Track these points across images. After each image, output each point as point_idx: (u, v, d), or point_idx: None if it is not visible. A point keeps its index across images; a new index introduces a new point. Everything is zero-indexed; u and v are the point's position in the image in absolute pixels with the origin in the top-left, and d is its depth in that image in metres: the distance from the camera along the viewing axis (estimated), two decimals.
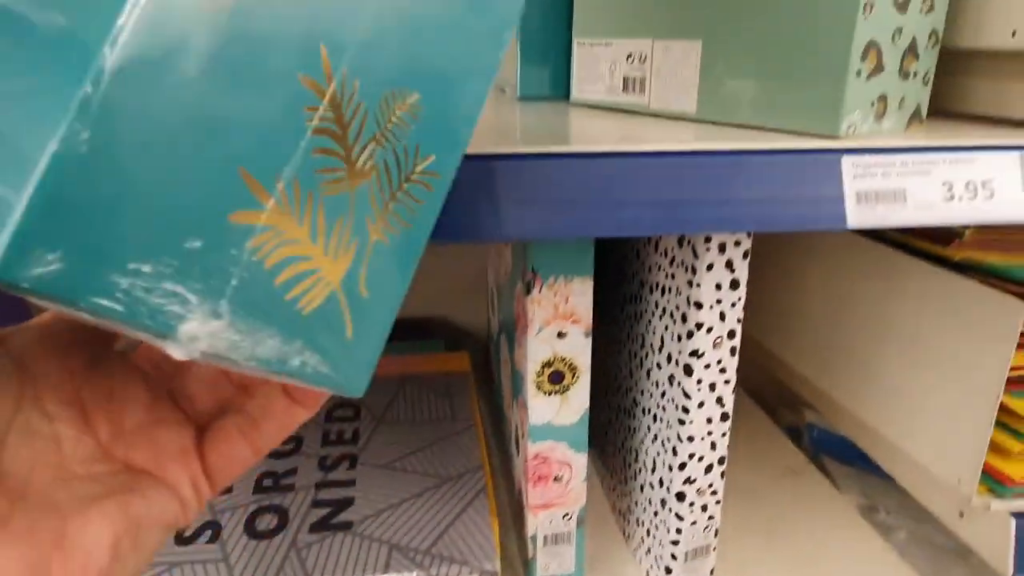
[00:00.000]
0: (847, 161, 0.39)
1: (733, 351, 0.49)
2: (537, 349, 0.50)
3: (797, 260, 0.73)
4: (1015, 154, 0.40)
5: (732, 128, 0.46)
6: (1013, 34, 0.42)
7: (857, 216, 0.39)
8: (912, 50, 0.42)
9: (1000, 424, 0.52)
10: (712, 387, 0.49)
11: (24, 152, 0.13)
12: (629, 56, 0.54)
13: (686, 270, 0.47)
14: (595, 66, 0.57)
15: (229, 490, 0.57)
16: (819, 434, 0.83)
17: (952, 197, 0.40)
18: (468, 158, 0.35)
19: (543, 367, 0.50)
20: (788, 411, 0.89)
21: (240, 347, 0.17)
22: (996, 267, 0.53)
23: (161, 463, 0.22)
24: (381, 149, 0.19)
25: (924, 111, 0.45)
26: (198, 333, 0.16)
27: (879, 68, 0.41)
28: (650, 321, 0.54)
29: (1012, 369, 0.49)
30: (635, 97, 0.54)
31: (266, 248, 0.17)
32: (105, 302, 0.14)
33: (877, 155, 0.39)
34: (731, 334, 0.48)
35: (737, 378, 0.92)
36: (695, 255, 0.46)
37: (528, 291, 0.48)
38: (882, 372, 0.61)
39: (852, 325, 0.65)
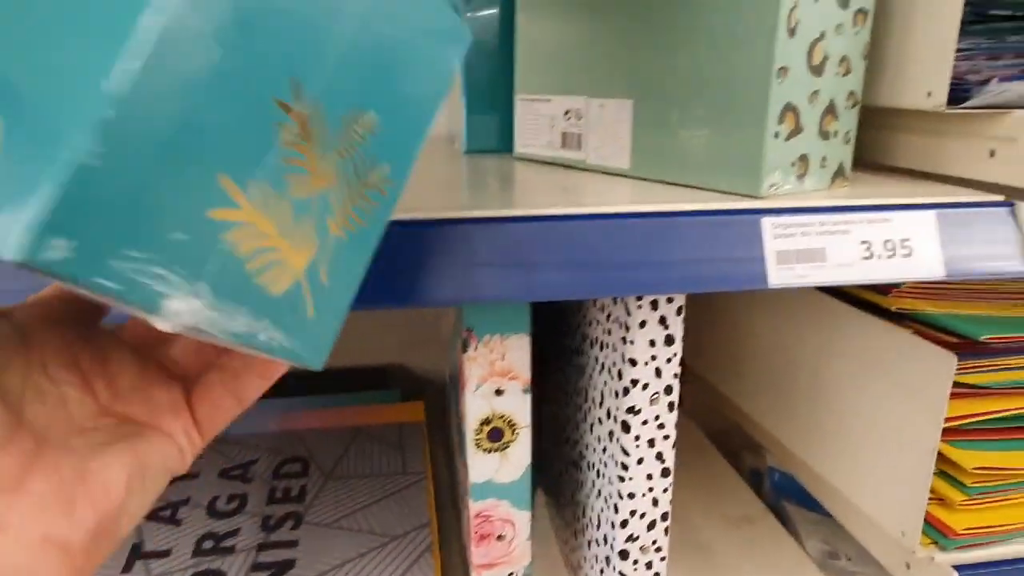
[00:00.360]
0: (767, 222, 0.40)
1: (671, 407, 0.49)
2: (475, 406, 0.49)
3: (748, 305, 0.74)
4: (931, 212, 0.41)
5: (663, 186, 0.46)
6: (928, 95, 0.43)
7: (778, 276, 0.39)
8: (831, 111, 0.43)
9: (943, 475, 0.52)
10: (651, 443, 0.49)
11: (55, 127, 0.17)
12: (567, 113, 0.55)
13: (620, 327, 0.47)
14: (536, 121, 0.58)
15: (168, 553, 0.56)
16: (781, 478, 0.83)
17: (871, 255, 0.40)
18: (402, 224, 0.35)
19: (481, 424, 0.50)
20: (751, 454, 0.89)
21: (216, 322, 0.20)
22: (931, 316, 0.53)
23: (156, 416, 0.25)
24: (341, 160, 0.22)
25: (848, 168, 0.46)
26: (180, 309, 0.19)
27: (798, 129, 0.42)
28: (591, 375, 0.54)
29: (949, 420, 0.50)
30: (574, 152, 0.55)
31: (240, 240, 0.20)
32: (104, 282, 0.18)
33: (797, 215, 0.40)
34: (668, 389, 0.48)
35: (697, 421, 0.92)
36: (627, 312, 0.46)
37: (464, 348, 0.48)
38: (827, 421, 0.61)
39: (799, 372, 0.65)
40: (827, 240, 0.40)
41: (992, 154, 0.44)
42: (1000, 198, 0.43)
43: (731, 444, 0.90)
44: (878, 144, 0.53)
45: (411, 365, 0.91)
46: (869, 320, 0.55)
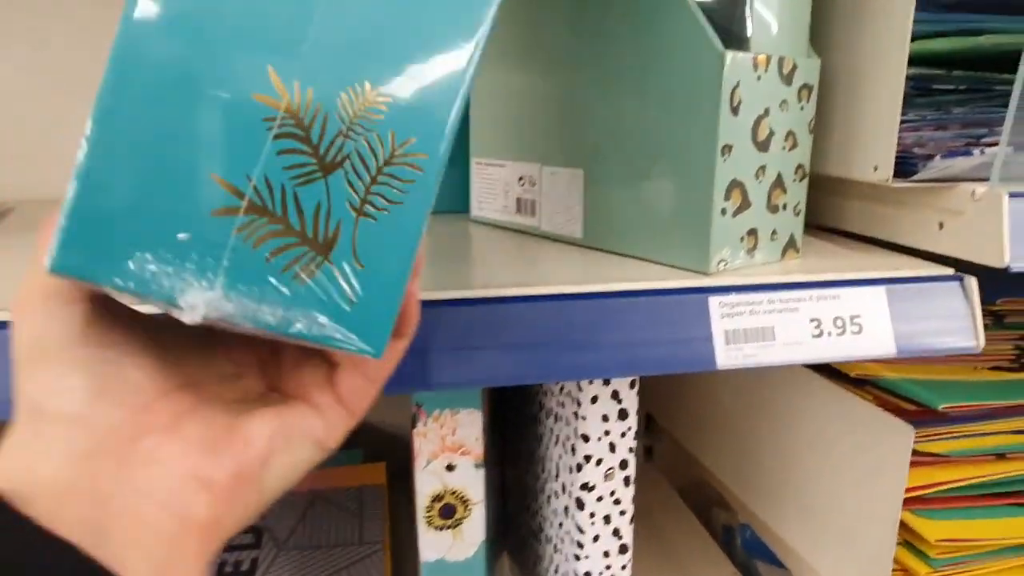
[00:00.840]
0: (715, 301, 0.39)
1: (627, 481, 0.47)
2: (425, 483, 0.48)
3: None
4: (881, 288, 0.41)
5: (615, 257, 0.46)
6: (875, 168, 0.43)
7: (726, 356, 0.38)
8: (779, 185, 0.43)
9: (907, 545, 0.51)
10: (607, 519, 0.47)
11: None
12: (521, 179, 0.54)
13: (572, 401, 0.46)
14: (491, 185, 0.57)
15: None
16: (752, 536, 0.81)
17: (821, 333, 0.40)
18: None
19: (432, 501, 0.48)
20: (722, 510, 0.87)
21: (239, 314, 0.21)
22: (891, 382, 0.52)
23: (307, 391, 0.27)
24: (350, 141, 0.21)
25: (799, 239, 0.46)
26: (196, 302, 0.20)
27: (745, 205, 0.41)
28: (548, 446, 0.53)
29: (911, 489, 0.49)
30: (527, 219, 0.54)
31: (251, 233, 0.21)
32: (121, 283, 0.20)
33: (745, 293, 0.39)
34: (623, 464, 0.47)
35: (669, 475, 0.90)
36: (579, 387, 0.45)
37: (414, 424, 0.47)
38: (790, 485, 0.60)
39: (763, 435, 0.64)
40: (776, 318, 0.39)
41: (941, 226, 0.44)
42: (950, 271, 0.43)
43: (703, 498, 0.88)
44: (830, 209, 0.53)
45: (375, 422, 0.89)
46: (829, 386, 0.54)
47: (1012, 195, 0.40)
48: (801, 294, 0.40)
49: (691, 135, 0.40)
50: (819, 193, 0.54)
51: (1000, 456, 0.52)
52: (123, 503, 0.22)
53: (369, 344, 0.22)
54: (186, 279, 0.20)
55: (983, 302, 0.42)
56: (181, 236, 0.20)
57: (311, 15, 0.21)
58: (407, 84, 0.22)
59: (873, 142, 0.43)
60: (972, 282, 0.41)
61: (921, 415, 0.50)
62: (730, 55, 0.38)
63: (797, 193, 0.44)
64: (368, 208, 0.22)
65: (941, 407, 0.48)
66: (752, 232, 0.42)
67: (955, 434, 0.50)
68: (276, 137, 0.21)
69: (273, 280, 0.21)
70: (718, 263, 0.41)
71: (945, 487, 0.50)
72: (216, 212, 0.21)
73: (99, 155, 0.20)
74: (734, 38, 0.40)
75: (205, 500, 0.23)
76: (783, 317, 0.39)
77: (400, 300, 0.23)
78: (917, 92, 0.44)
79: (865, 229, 0.50)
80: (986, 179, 0.43)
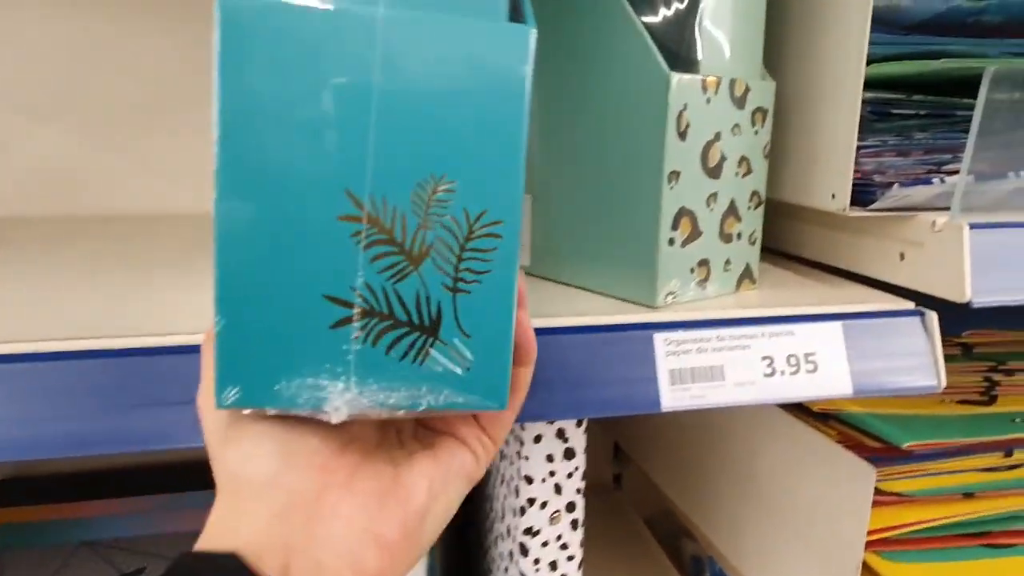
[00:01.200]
0: (660, 338, 0.36)
1: (575, 524, 0.45)
2: None
3: None
4: (838, 324, 0.39)
5: (562, 288, 0.43)
6: (832, 197, 0.41)
7: (671, 397, 0.36)
8: (732, 213, 0.41)
9: None
10: (553, 566, 0.45)
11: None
12: None
13: (515, 439, 0.43)
14: None
15: None
16: (719, 568, 0.79)
17: (773, 372, 0.37)
18: None
19: None
20: (691, 540, 0.84)
21: (375, 404, 0.24)
22: (855, 417, 0.50)
23: (453, 426, 0.29)
24: (430, 231, 0.23)
25: (755, 269, 0.43)
26: (339, 405, 0.23)
27: (695, 234, 0.39)
28: (495, 485, 0.50)
29: (875, 531, 0.46)
30: None
31: (368, 334, 0.23)
32: (272, 404, 0.24)
33: (692, 330, 0.37)
34: (571, 507, 0.44)
35: (637, 503, 0.88)
36: (521, 425, 0.42)
37: None
38: (755, 522, 0.58)
39: (726, 470, 0.61)
40: (726, 356, 0.37)
41: (902, 257, 0.42)
42: (910, 305, 0.40)
43: (672, 528, 0.86)
44: (790, 235, 0.51)
45: None
46: (791, 421, 0.52)
47: (973, 226, 0.38)
48: (753, 330, 0.37)
49: (637, 161, 0.38)
50: (779, 218, 0.52)
51: (968, 495, 0.49)
52: (309, 556, 0.24)
53: (491, 400, 0.25)
54: (325, 388, 0.24)
55: (949, 333, 0.40)
56: (310, 352, 0.23)
57: (367, 134, 0.23)
58: (466, 164, 0.23)
59: (830, 169, 0.41)
60: (933, 318, 0.39)
61: (886, 452, 0.47)
62: (676, 77, 0.36)
63: (752, 221, 0.42)
64: (461, 284, 0.24)
65: (905, 445, 0.46)
66: (703, 263, 0.40)
67: (920, 472, 0.48)
68: (366, 247, 0.23)
69: (396, 369, 0.24)
70: (666, 296, 0.39)
71: (911, 528, 0.48)
72: (334, 325, 0.23)
73: (230, 305, 0.23)
74: (683, 61, 0.38)
75: (375, 554, 0.25)
76: (733, 355, 0.37)
77: (509, 352, 0.25)
78: (876, 117, 0.42)
79: (826, 257, 0.48)
80: (948, 209, 0.41)
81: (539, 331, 0.36)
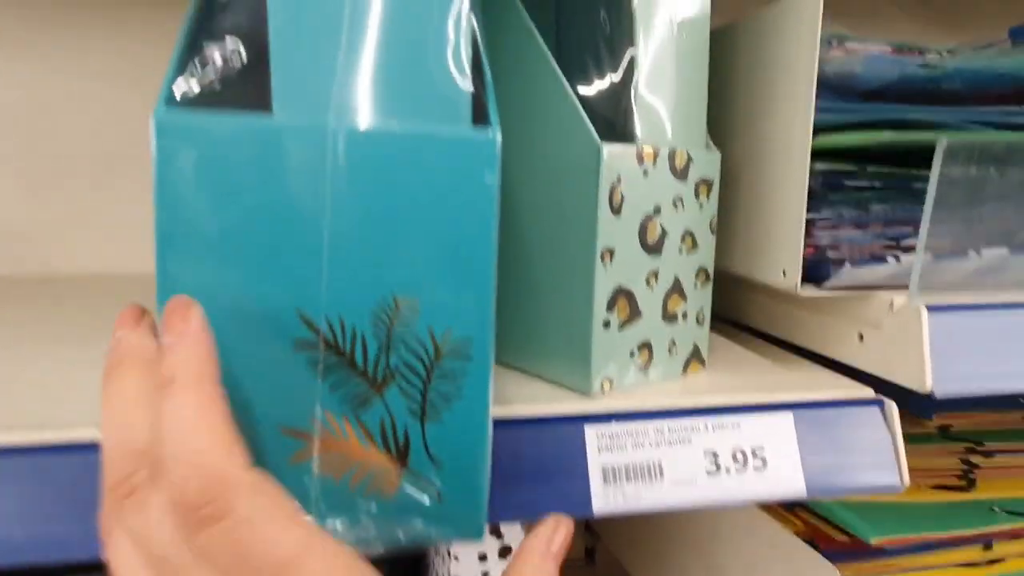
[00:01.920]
0: (591, 431, 0.33)
1: None
2: None
3: None
4: (788, 414, 0.35)
5: (500, 369, 0.40)
6: (783, 273, 0.39)
7: (604, 499, 0.32)
8: (677, 291, 0.38)
9: None
10: None
11: None
12: None
13: None
14: None
15: None
16: None
17: (717, 469, 0.34)
18: None
19: None
20: None
21: (345, 537, 0.21)
22: (821, 506, 0.47)
23: None
24: (393, 354, 0.21)
25: (704, 349, 0.40)
26: None
27: (634, 315, 0.36)
28: None
29: None
30: None
31: (329, 468, 0.21)
32: None
33: (627, 422, 0.34)
34: None
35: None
36: None
37: None
38: None
39: (692, 557, 0.57)
40: (664, 452, 0.33)
41: (861, 338, 0.39)
42: (868, 392, 0.37)
43: None
44: (744, 306, 0.48)
45: None
46: (755, 512, 0.48)
47: (932, 309, 0.35)
48: (695, 422, 0.34)
49: (568, 237, 0.35)
50: (732, 287, 0.49)
51: None
52: None
53: (467, 532, 0.23)
54: None
55: (921, 415, 0.37)
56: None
57: (320, 253, 0.20)
58: (431, 280, 0.21)
59: (779, 244, 0.39)
60: (892, 408, 0.36)
61: (854, 546, 0.44)
62: (607, 148, 0.33)
63: (699, 299, 0.39)
64: (430, 410, 0.22)
65: (874, 541, 0.42)
66: (645, 346, 0.37)
67: (892, 569, 0.44)
68: (324, 374, 0.21)
69: (362, 503, 0.22)
70: (603, 383, 0.35)
71: None
72: (294, 460, 0.21)
73: None
74: (619, 132, 0.36)
75: None
76: (673, 450, 0.34)
77: (485, 480, 0.23)
78: (830, 188, 0.40)
79: (782, 333, 0.45)
80: (905, 286, 0.38)
81: None
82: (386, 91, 0.20)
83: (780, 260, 0.39)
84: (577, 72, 0.36)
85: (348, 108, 0.20)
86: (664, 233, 0.36)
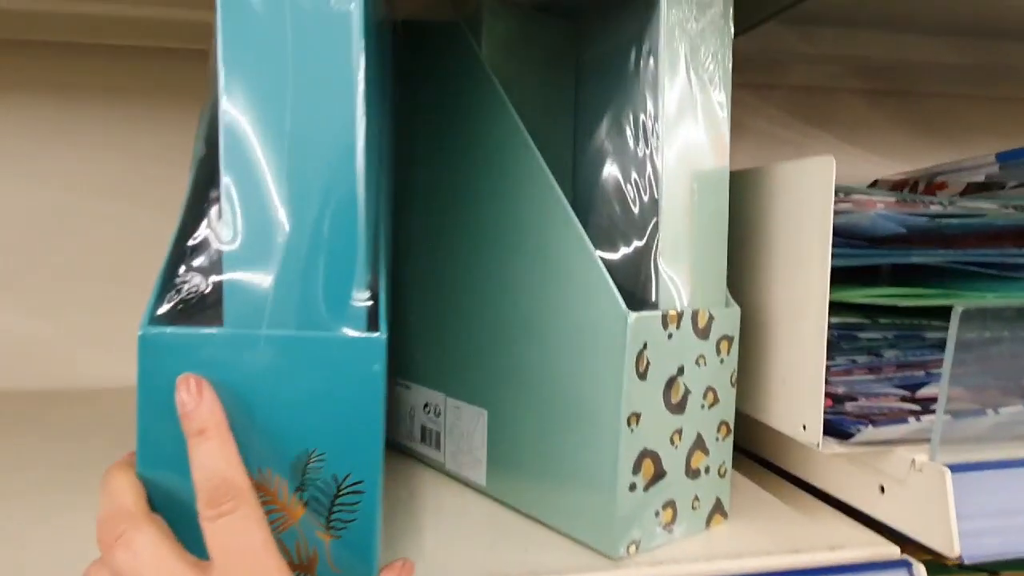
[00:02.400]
0: None
1: None
2: None
3: None
4: None
5: (517, 518, 0.39)
6: (804, 428, 0.39)
7: None
8: (699, 447, 0.38)
9: None
10: None
11: None
12: (426, 406, 0.49)
13: None
14: (397, 406, 0.52)
15: None
16: None
17: None
18: None
19: None
20: None
21: None
22: None
23: None
24: (305, 492, 0.28)
25: (726, 502, 0.40)
26: None
27: (659, 474, 0.36)
28: None
29: None
30: (432, 451, 0.48)
31: None
32: None
33: None
34: None
35: None
36: None
37: None
38: None
39: None
40: None
41: (882, 490, 0.39)
42: (895, 552, 0.37)
43: None
44: (766, 441, 0.48)
45: None
46: None
47: (954, 468, 0.35)
48: None
49: (594, 402, 0.35)
50: (753, 421, 0.49)
51: None
52: None
53: None
54: None
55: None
56: None
57: (253, 424, 0.28)
58: (335, 441, 0.28)
59: (799, 399, 0.39)
60: (921, 570, 0.36)
61: None
62: (634, 316, 0.34)
63: (721, 452, 0.39)
64: (332, 531, 0.29)
65: None
66: (670, 504, 0.37)
67: None
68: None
69: None
70: (629, 546, 0.35)
71: None
72: None
73: None
74: (639, 297, 0.36)
75: None
76: None
77: None
78: (843, 339, 0.40)
79: (803, 474, 0.45)
80: (925, 440, 0.38)
81: None
82: (305, 307, 0.28)
83: (800, 415, 0.39)
84: (603, 239, 0.37)
85: (277, 320, 0.28)
86: (687, 392, 0.37)
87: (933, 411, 0.37)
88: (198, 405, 0.26)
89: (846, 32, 0.74)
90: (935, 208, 0.42)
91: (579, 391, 0.36)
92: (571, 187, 0.42)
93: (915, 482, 0.36)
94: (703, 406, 0.38)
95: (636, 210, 0.37)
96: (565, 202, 0.36)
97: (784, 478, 0.47)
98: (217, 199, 0.28)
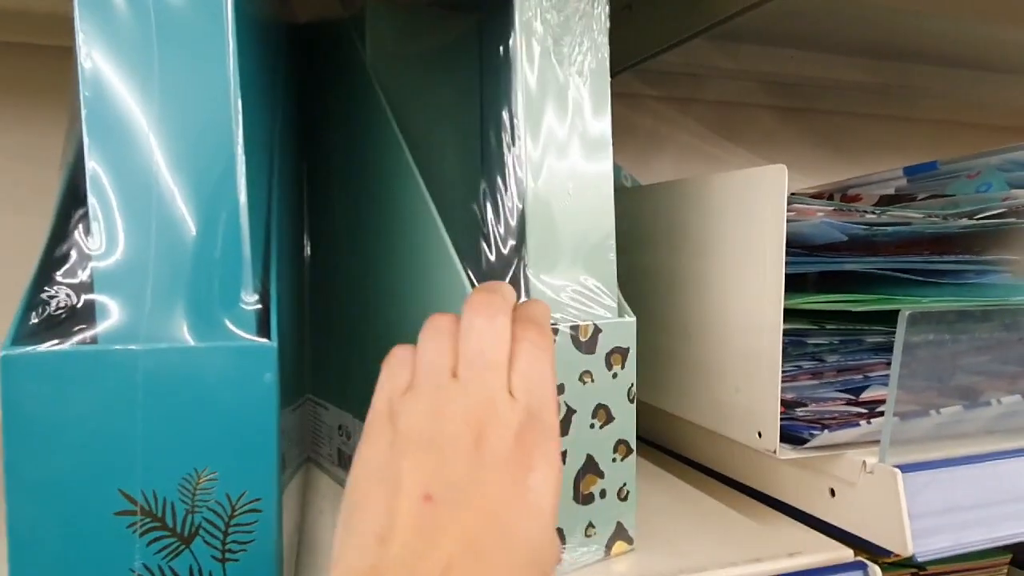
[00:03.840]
0: None
1: None
2: None
3: None
4: None
5: None
6: (759, 435, 0.39)
7: None
8: (591, 470, 0.35)
9: None
10: None
11: None
12: (340, 427, 0.46)
13: None
14: (319, 428, 0.49)
15: None
16: None
17: None
18: None
19: None
20: None
21: None
22: None
23: None
24: (197, 514, 0.26)
25: (631, 527, 0.37)
26: None
27: None
28: None
29: None
30: (345, 473, 0.45)
31: None
32: None
33: None
34: None
35: None
36: None
37: None
38: None
39: None
40: None
41: (833, 493, 0.39)
42: (848, 554, 0.37)
43: None
44: (705, 448, 0.48)
45: None
46: None
47: (904, 468, 0.36)
48: None
49: None
50: (693, 429, 0.49)
51: None
52: None
53: None
54: None
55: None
56: None
57: (134, 445, 0.26)
58: (226, 457, 0.27)
59: (754, 407, 0.39)
60: (875, 572, 0.36)
61: None
62: None
63: (621, 474, 0.37)
64: (228, 555, 0.27)
65: None
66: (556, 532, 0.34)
67: None
68: (141, 535, 0.26)
69: None
70: None
71: None
72: None
73: None
74: None
75: None
76: None
77: None
78: (792, 345, 0.41)
79: (746, 479, 0.45)
80: (873, 443, 0.39)
81: None
82: (189, 317, 0.26)
83: (756, 423, 0.39)
84: (480, 243, 0.35)
85: (155, 334, 0.26)
86: (571, 411, 0.35)
87: (879, 414, 0.38)
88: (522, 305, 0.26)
89: (762, 50, 0.76)
90: (870, 217, 0.43)
91: None
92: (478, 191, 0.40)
93: (866, 484, 0.37)
94: (592, 425, 0.35)
95: (506, 216, 0.35)
96: (432, 206, 0.34)
97: (733, 487, 0.47)
98: (84, 207, 0.26)
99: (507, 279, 0.34)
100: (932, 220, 0.44)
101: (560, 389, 0.33)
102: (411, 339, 0.34)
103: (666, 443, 0.53)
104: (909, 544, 0.35)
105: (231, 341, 0.27)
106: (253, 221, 0.28)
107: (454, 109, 0.41)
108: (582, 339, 0.35)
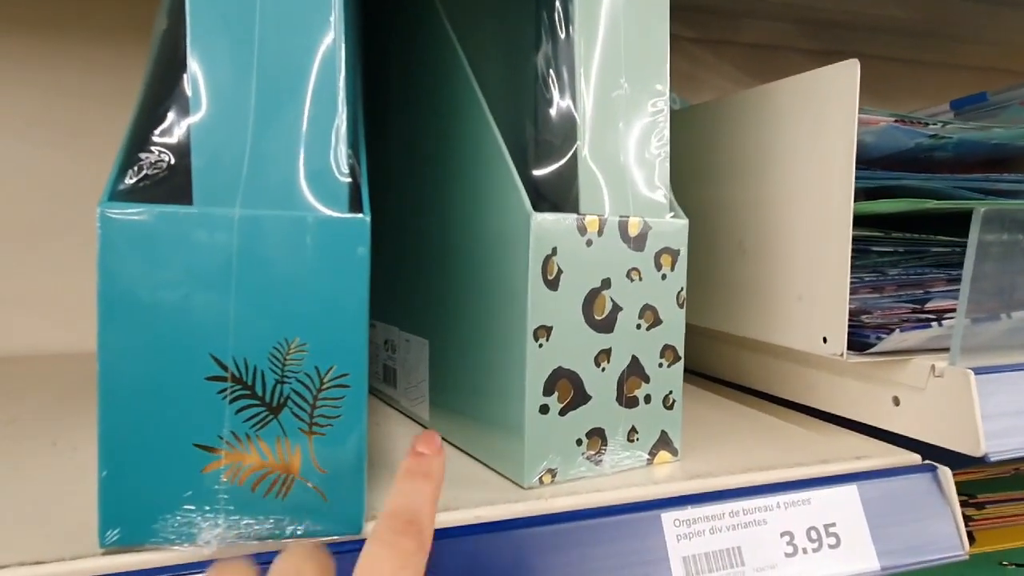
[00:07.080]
0: (668, 518, 0.31)
1: None
2: None
3: None
4: (853, 487, 0.34)
5: (456, 452, 0.37)
6: (824, 340, 0.38)
7: None
8: (636, 372, 0.34)
9: None
10: None
11: None
12: (386, 343, 0.46)
13: None
14: (371, 348, 0.49)
15: None
16: None
17: (795, 551, 0.32)
18: None
19: None
20: None
21: (244, 535, 0.27)
22: None
23: None
24: (287, 385, 0.27)
25: (676, 437, 0.36)
26: (209, 539, 0.27)
27: (579, 399, 0.33)
28: None
29: None
30: (391, 390, 0.46)
31: (234, 476, 0.26)
32: (147, 541, 0.26)
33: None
34: None
35: None
36: None
37: None
38: None
39: None
40: (742, 536, 0.32)
41: (896, 402, 0.39)
42: (916, 459, 0.37)
43: None
44: (753, 369, 0.48)
45: None
46: None
47: (978, 372, 0.35)
48: (768, 501, 0.33)
49: (502, 313, 0.32)
50: (740, 349, 0.48)
51: None
52: None
53: (348, 527, 0.28)
54: (197, 524, 0.26)
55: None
56: (187, 494, 0.26)
57: (228, 310, 0.26)
58: (317, 329, 0.27)
59: (820, 312, 0.38)
60: (947, 474, 0.36)
61: None
62: (538, 216, 0.30)
63: (667, 381, 0.36)
64: (316, 428, 0.27)
65: None
66: (596, 432, 0.34)
67: None
68: (231, 401, 0.26)
69: (261, 504, 0.27)
70: (540, 474, 0.32)
71: None
72: (206, 469, 0.26)
73: (112, 457, 0.25)
74: (570, 201, 0.33)
75: None
76: (750, 533, 0.32)
77: (362, 484, 0.28)
78: (856, 254, 0.40)
79: (799, 395, 0.45)
80: (937, 350, 0.39)
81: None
82: (285, 185, 0.26)
83: (819, 328, 0.38)
84: (540, 147, 0.34)
85: (252, 199, 0.26)
86: (616, 308, 0.33)
87: (948, 319, 0.38)
88: (437, 455, 0.26)
89: None
90: (935, 128, 0.43)
91: (489, 306, 0.33)
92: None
93: (935, 388, 0.36)
94: (639, 326, 0.34)
95: (565, 109, 0.33)
96: (489, 116, 0.33)
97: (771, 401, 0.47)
98: (183, 71, 0.26)
99: (566, 175, 0.33)
100: (999, 131, 0.43)
101: (607, 283, 0.33)
102: (460, 258, 0.35)
103: (712, 371, 0.53)
104: (983, 443, 0.34)
105: (327, 211, 0.26)
106: (347, 90, 0.27)
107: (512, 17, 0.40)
108: (631, 235, 0.33)
